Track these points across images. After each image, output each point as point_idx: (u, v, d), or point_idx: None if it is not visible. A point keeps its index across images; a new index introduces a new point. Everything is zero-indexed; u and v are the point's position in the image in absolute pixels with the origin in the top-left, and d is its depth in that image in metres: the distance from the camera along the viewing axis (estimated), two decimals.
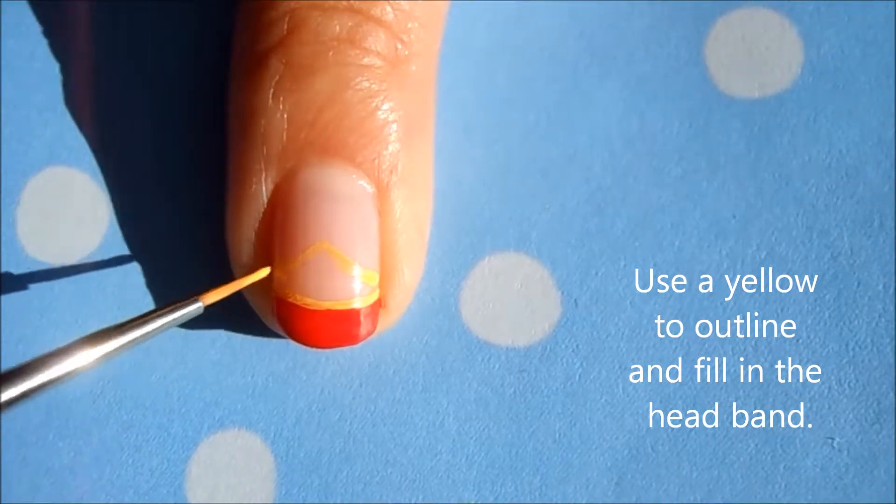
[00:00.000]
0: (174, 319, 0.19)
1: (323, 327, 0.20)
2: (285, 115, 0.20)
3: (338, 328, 0.20)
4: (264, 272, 0.20)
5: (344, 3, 0.20)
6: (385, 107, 0.20)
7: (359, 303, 0.20)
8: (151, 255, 0.22)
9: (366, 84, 0.20)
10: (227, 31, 0.22)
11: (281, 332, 0.21)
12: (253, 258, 0.21)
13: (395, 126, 0.20)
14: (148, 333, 0.18)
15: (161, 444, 0.22)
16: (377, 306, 0.20)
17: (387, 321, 0.21)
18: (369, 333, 0.20)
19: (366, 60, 0.20)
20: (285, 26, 0.20)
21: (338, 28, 0.20)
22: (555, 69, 0.23)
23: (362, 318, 0.20)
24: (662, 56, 0.23)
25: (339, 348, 0.22)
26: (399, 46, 0.20)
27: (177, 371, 0.22)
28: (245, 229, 0.21)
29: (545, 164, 0.23)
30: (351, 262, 0.20)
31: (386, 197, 0.20)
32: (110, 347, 0.18)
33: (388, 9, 0.20)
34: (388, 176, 0.20)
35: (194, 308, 0.19)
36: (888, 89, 0.22)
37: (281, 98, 0.20)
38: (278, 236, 0.20)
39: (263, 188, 0.20)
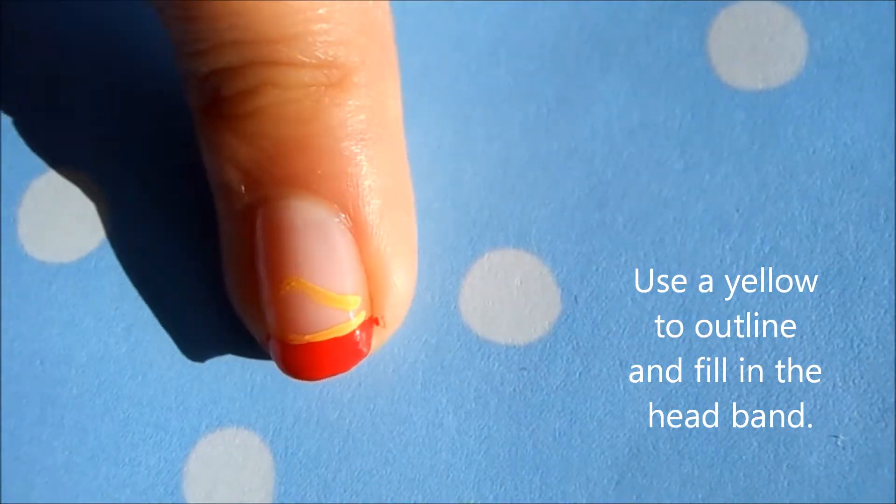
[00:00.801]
0: None
1: (312, 360, 0.20)
2: (233, 161, 0.20)
3: (328, 358, 0.20)
4: (357, 303, 0.20)
5: (240, 57, 0.19)
6: (331, 126, 0.19)
7: (344, 329, 0.20)
8: (152, 255, 0.22)
9: (301, 114, 0.19)
10: None
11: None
12: (246, 299, 0.21)
13: (348, 141, 0.20)
14: None
15: (158, 443, 0.22)
16: (369, 325, 0.20)
17: (384, 332, 0.21)
18: (363, 355, 0.20)
19: (293, 94, 0.19)
20: (208, 87, 0.20)
21: (254, 79, 0.19)
22: (555, 62, 0.23)
23: (353, 342, 0.20)
24: (665, 48, 0.23)
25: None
26: (329, 72, 0.19)
27: (174, 369, 0.22)
28: (233, 273, 0.21)
29: (545, 158, 0.22)
30: (324, 292, 0.19)
31: (356, 215, 0.20)
32: None
33: (302, 47, 0.19)
34: (352, 192, 0.20)
35: None
36: (893, 81, 0.22)
37: (224, 147, 0.20)
38: (261, 277, 0.20)
39: (240, 231, 0.20)
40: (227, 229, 0.21)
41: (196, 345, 0.22)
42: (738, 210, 0.22)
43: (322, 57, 0.19)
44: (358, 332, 0.20)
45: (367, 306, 0.20)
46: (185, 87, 0.21)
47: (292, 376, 0.20)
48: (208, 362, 0.22)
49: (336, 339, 0.20)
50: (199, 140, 0.21)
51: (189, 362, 0.22)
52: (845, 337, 0.22)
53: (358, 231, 0.20)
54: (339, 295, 0.20)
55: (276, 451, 0.22)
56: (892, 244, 0.22)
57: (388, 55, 0.21)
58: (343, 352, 0.20)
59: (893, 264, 0.22)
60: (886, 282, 0.22)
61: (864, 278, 0.22)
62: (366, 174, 0.20)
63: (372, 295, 0.20)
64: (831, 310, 0.22)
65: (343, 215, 0.20)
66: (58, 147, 0.23)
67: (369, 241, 0.20)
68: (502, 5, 0.23)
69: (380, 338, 0.21)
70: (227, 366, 0.22)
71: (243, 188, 0.20)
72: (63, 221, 0.22)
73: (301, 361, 0.20)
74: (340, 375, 0.21)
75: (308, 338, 0.20)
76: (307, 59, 0.19)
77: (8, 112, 0.23)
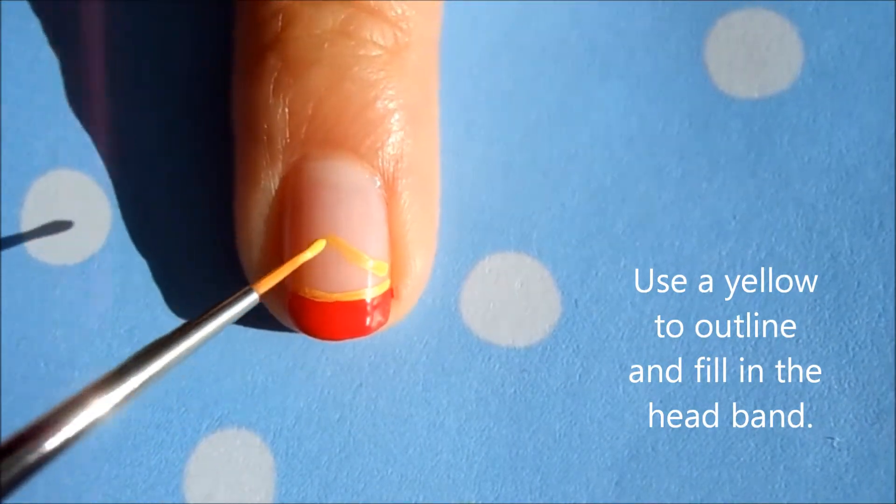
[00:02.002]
0: (233, 315, 0.18)
1: (334, 319, 0.20)
2: (286, 111, 0.20)
3: (349, 320, 0.20)
4: (320, 245, 0.20)
5: None
6: (386, 96, 0.20)
7: (369, 293, 0.20)
8: (154, 256, 0.22)
9: (364, 74, 0.20)
10: (231, 31, 0.22)
11: (293, 327, 0.21)
12: (263, 254, 0.20)
13: (397, 115, 0.20)
14: (209, 334, 0.18)
15: (160, 443, 0.22)
16: (388, 296, 0.20)
17: (399, 311, 0.21)
18: (381, 324, 0.20)
19: (362, 51, 0.20)
20: (279, 23, 0.20)
21: (331, 20, 0.20)
22: (555, 69, 0.23)
23: (373, 309, 0.20)
24: (663, 56, 0.23)
25: (348, 341, 0.22)
26: (397, 35, 0.20)
27: (176, 369, 0.22)
28: (254, 226, 0.21)
29: (546, 163, 0.23)
30: (359, 253, 0.20)
31: (393, 186, 0.20)
32: (175, 354, 0.17)
33: None
34: (393, 165, 0.20)
35: (250, 300, 0.19)
36: (888, 90, 0.22)
37: (280, 94, 0.20)
38: (287, 231, 0.20)
39: (270, 184, 0.20)
40: (254, 186, 0.20)
41: None
42: (734, 216, 0.22)
43: (398, 17, 0.20)
44: (380, 299, 0.20)
45: (389, 276, 0.20)
46: (240, 25, 0.21)
47: (310, 334, 0.20)
48: (209, 363, 0.22)
49: (359, 302, 0.20)
50: (241, 87, 0.21)
51: (190, 363, 0.22)
52: (841, 340, 0.22)
53: (390, 202, 0.20)
54: (373, 259, 0.20)
55: (276, 451, 0.22)
56: (887, 249, 0.22)
57: (437, 49, 0.21)
58: (363, 316, 0.20)
59: (887, 269, 0.22)
60: (881, 286, 0.22)
61: (859, 283, 0.22)
62: (410, 151, 0.20)
63: (394, 268, 0.20)
64: (827, 314, 0.22)
65: (380, 184, 0.20)
66: (59, 147, 0.23)
67: (399, 214, 0.20)
68: (503, 11, 0.23)
69: (396, 315, 0.21)
70: (228, 367, 0.22)
71: (288, 142, 0.20)
72: (67, 224, 0.22)
73: (323, 320, 0.20)
74: (341, 375, 0.22)
75: (336, 296, 0.20)
76: (388, 10, 0.20)
77: (8, 112, 0.23)
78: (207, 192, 0.22)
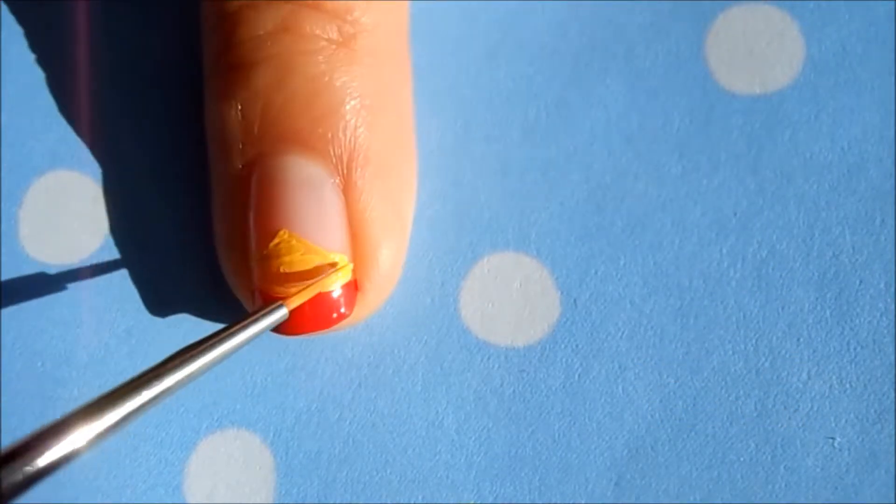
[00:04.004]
0: (263, 328, 0.19)
1: (294, 314, 0.20)
2: (239, 113, 0.20)
3: (309, 313, 0.20)
4: (344, 261, 0.20)
5: None
6: (332, 87, 0.20)
7: (326, 286, 0.20)
8: (152, 257, 0.22)
9: (308, 68, 0.20)
10: None
11: None
12: (233, 254, 0.21)
13: (347, 105, 0.20)
14: (238, 345, 0.18)
15: (159, 444, 0.22)
16: (351, 288, 0.20)
17: (367, 305, 0.21)
18: (343, 316, 0.20)
19: (305, 45, 0.20)
20: (226, 28, 0.20)
21: (271, 20, 0.20)
22: (554, 66, 0.23)
23: (335, 301, 0.20)
24: (663, 52, 0.23)
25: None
26: (341, 26, 0.20)
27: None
28: (223, 227, 0.21)
29: (544, 162, 0.22)
30: (311, 246, 0.20)
31: (348, 178, 0.20)
32: (200, 364, 0.18)
33: None
34: (347, 156, 0.20)
35: (280, 315, 0.19)
36: (890, 86, 0.22)
37: (232, 97, 0.20)
38: (251, 232, 0.20)
39: (234, 185, 0.20)
40: (222, 186, 0.21)
41: None
42: (735, 214, 0.22)
43: (340, 8, 0.20)
44: (340, 291, 0.20)
45: (350, 268, 0.20)
46: (202, 36, 0.21)
47: (275, 331, 0.20)
48: None
49: (319, 296, 0.20)
50: (207, 95, 0.21)
51: None
52: (842, 339, 0.22)
53: (347, 193, 0.20)
54: (325, 251, 0.20)
55: (276, 451, 0.22)
56: (888, 248, 0.22)
57: (400, 36, 0.21)
58: (324, 310, 0.20)
59: (889, 267, 0.22)
60: (883, 285, 0.22)
61: (861, 281, 0.22)
62: (365, 141, 0.20)
63: (356, 260, 0.20)
64: (828, 313, 0.22)
65: (338, 178, 0.20)
66: (58, 148, 0.23)
67: (356, 205, 0.20)
68: (501, 9, 0.23)
69: (364, 310, 0.21)
70: (228, 367, 0.22)
71: (242, 143, 0.20)
72: (64, 223, 0.22)
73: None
74: (340, 376, 0.22)
75: (293, 291, 0.20)
76: (325, 4, 0.20)
77: (8, 112, 0.23)
78: (204, 192, 0.22)
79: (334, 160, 0.20)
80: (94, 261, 0.22)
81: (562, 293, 0.22)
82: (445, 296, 0.22)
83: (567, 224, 0.22)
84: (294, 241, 0.20)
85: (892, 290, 0.22)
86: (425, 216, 0.22)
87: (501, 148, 0.22)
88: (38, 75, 0.23)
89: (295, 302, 0.19)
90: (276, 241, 0.20)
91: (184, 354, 0.17)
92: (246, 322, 0.18)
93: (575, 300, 0.22)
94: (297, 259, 0.20)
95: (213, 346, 0.18)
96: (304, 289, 0.20)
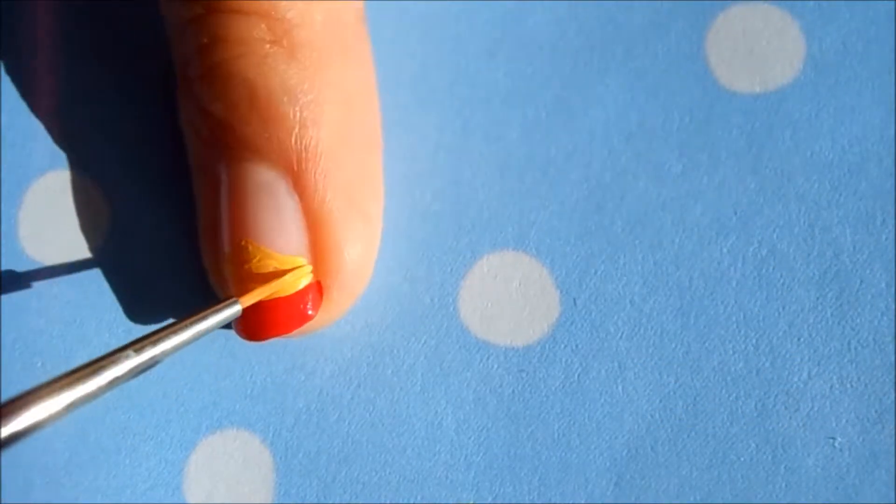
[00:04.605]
0: (217, 322, 0.19)
1: (258, 319, 0.20)
2: (195, 125, 0.20)
3: (273, 317, 0.20)
4: (306, 271, 0.20)
5: (200, 5, 0.20)
6: (271, 88, 0.20)
7: (288, 289, 0.20)
8: (152, 257, 0.22)
9: (245, 73, 0.20)
10: None
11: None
12: (212, 262, 0.21)
13: (290, 103, 0.20)
14: (189, 339, 0.18)
15: (159, 445, 0.22)
16: (315, 289, 0.20)
17: (335, 306, 0.21)
18: (309, 317, 0.20)
19: (238, 49, 0.20)
20: (174, 46, 0.21)
21: (205, 32, 0.20)
22: (553, 65, 0.23)
23: (298, 303, 0.20)
24: (663, 51, 0.23)
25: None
26: (271, 24, 0.20)
27: (175, 371, 0.22)
28: (204, 236, 0.21)
29: (544, 161, 0.22)
30: (267, 251, 0.20)
31: (299, 175, 0.20)
32: (152, 353, 0.18)
33: None
34: (294, 154, 0.20)
35: (234, 311, 0.19)
36: (890, 85, 0.22)
37: (186, 111, 0.21)
38: (220, 238, 0.20)
39: (203, 194, 0.21)
40: (198, 193, 0.21)
41: (196, 345, 0.22)
42: (735, 213, 0.22)
43: (265, 8, 0.19)
44: (303, 293, 0.20)
45: (312, 269, 0.20)
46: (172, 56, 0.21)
47: (242, 336, 0.20)
48: (208, 364, 0.22)
49: (282, 300, 0.20)
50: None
51: (189, 364, 0.22)
52: (842, 339, 0.22)
53: (300, 192, 0.20)
54: (283, 256, 0.20)
55: (276, 452, 0.22)
56: (889, 247, 0.22)
57: (341, 23, 0.21)
58: (288, 312, 0.20)
59: (890, 267, 0.22)
60: (883, 284, 0.22)
61: (861, 281, 0.22)
62: (309, 137, 0.20)
63: (318, 261, 0.20)
64: (828, 312, 0.22)
65: (290, 179, 0.20)
66: (58, 148, 0.23)
67: (310, 203, 0.20)
68: (500, 8, 0.23)
69: (333, 310, 0.21)
70: (228, 367, 0.22)
71: (203, 155, 0.20)
72: (63, 223, 0.22)
73: (248, 321, 0.20)
74: (339, 376, 0.22)
75: (253, 296, 0.20)
76: (249, 6, 0.19)
77: (8, 113, 0.23)
78: None
79: (284, 161, 0.20)
80: (94, 261, 0.22)
81: (561, 292, 0.22)
82: (445, 295, 0.22)
83: (567, 223, 0.22)
84: (251, 248, 0.20)
85: (893, 289, 0.22)
86: (424, 216, 0.22)
87: (500, 147, 0.22)
88: (38, 74, 0.23)
89: (248, 300, 0.19)
90: (238, 247, 0.20)
91: (128, 348, 0.17)
92: (196, 317, 0.19)
93: (574, 300, 0.22)
94: (255, 265, 0.20)
95: (159, 341, 0.18)
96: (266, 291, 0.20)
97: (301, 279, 0.20)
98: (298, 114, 0.20)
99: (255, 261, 0.20)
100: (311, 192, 0.20)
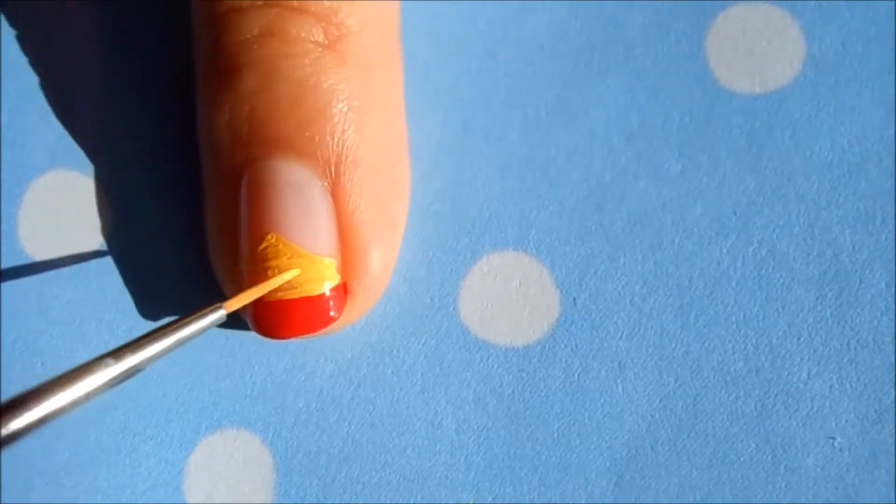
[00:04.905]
0: (200, 328, 0.19)
1: (282, 318, 0.20)
2: (227, 117, 0.20)
3: (297, 317, 0.20)
4: (291, 273, 0.20)
5: (259, 1, 0.20)
6: (319, 90, 0.20)
7: (315, 289, 0.20)
8: (151, 257, 0.22)
9: (293, 71, 0.20)
10: None
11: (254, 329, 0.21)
12: (226, 260, 0.21)
13: (335, 108, 0.20)
14: (171, 345, 0.18)
15: (159, 445, 0.22)
16: (340, 291, 0.20)
17: (357, 308, 0.21)
18: (333, 319, 0.20)
19: (290, 49, 0.20)
20: (213, 34, 0.20)
21: (256, 25, 0.20)
22: (554, 65, 0.23)
23: (323, 304, 0.20)
24: (663, 51, 0.23)
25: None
26: (327, 28, 0.20)
27: (174, 371, 0.22)
28: (215, 233, 0.21)
29: (544, 161, 0.22)
30: (297, 249, 0.20)
31: (336, 179, 0.20)
32: (133, 362, 0.18)
33: None
34: (334, 157, 0.20)
35: (218, 316, 0.19)
36: (890, 85, 0.22)
37: (221, 102, 0.20)
38: (241, 235, 0.20)
39: (224, 190, 0.20)
40: (213, 191, 0.21)
41: (196, 345, 0.22)
42: (735, 213, 0.22)
43: (325, 10, 0.20)
44: (329, 295, 0.20)
45: (339, 271, 0.20)
46: (194, 42, 0.21)
47: (262, 334, 0.20)
48: (209, 363, 0.22)
49: (307, 299, 0.20)
50: (197, 100, 0.21)
51: (189, 363, 0.22)
52: (842, 339, 0.22)
53: (336, 196, 0.20)
54: (313, 255, 0.20)
55: (276, 451, 0.22)
56: (889, 247, 0.22)
57: (389, 36, 0.21)
58: (313, 312, 0.20)
59: (890, 267, 0.22)
60: (883, 284, 0.22)
61: (861, 281, 0.22)
62: (353, 143, 0.20)
63: (346, 263, 0.20)
64: (828, 312, 0.22)
65: (326, 181, 0.20)
66: (58, 147, 0.23)
67: (345, 207, 0.20)
68: (500, 8, 0.23)
69: (353, 312, 0.21)
70: (228, 367, 0.22)
71: (231, 147, 0.20)
72: (64, 223, 0.22)
73: (271, 319, 0.20)
74: (339, 376, 0.22)
75: (280, 294, 0.20)
76: (310, 6, 0.20)
77: (8, 113, 0.23)
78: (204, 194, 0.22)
79: (322, 163, 0.20)
80: (94, 261, 0.22)
81: (561, 292, 0.22)
82: (445, 295, 0.22)
83: (567, 223, 0.22)
84: (281, 245, 0.20)
85: (893, 289, 0.22)
86: (425, 216, 0.22)
87: (501, 147, 0.22)
88: (38, 73, 0.23)
89: (234, 305, 0.19)
90: (263, 245, 0.20)
91: (115, 353, 0.18)
92: (180, 323, 0.18)
93: (574, 299, 0.22)
94: (284, 263, 0.20)
95: (144, 345, 0.18)
96: (291, 290, 0.20)
97: (326, 280, 0.20)
98: (343, 119, 0.20)
99: (283, 259, 0.20)
100: (347, 197, 0.20)
